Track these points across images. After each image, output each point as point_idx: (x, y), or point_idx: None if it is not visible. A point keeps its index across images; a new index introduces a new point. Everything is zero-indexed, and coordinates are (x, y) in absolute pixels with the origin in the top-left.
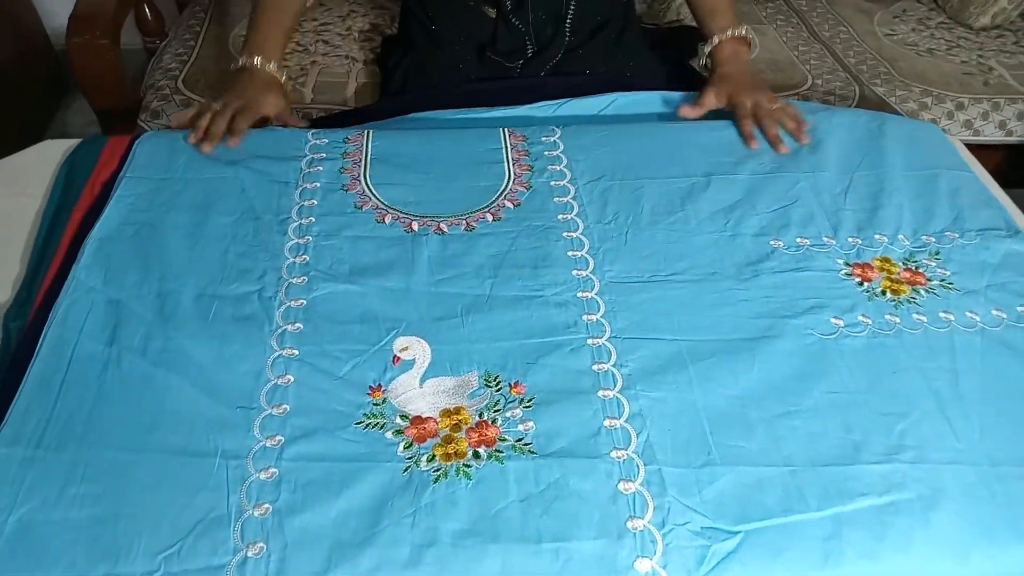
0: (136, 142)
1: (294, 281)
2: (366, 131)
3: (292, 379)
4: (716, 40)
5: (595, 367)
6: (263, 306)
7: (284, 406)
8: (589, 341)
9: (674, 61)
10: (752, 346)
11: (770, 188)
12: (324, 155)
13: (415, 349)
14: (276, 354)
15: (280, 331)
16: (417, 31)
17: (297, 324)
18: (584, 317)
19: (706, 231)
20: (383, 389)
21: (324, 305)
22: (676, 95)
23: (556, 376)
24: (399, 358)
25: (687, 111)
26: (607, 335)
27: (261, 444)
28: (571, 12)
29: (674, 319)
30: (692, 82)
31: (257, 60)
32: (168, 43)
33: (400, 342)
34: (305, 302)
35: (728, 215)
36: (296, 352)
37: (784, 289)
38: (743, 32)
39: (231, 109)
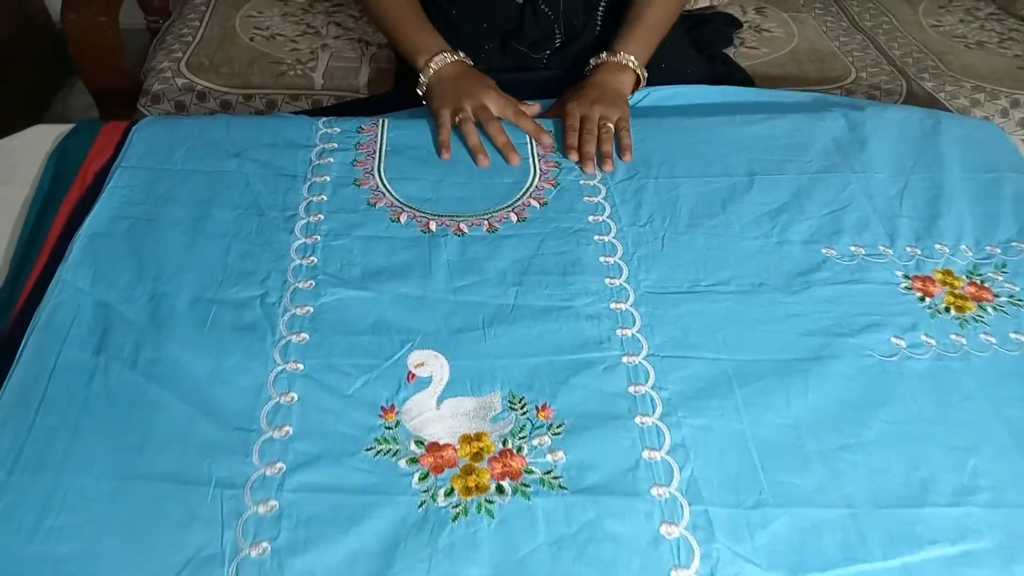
0: (133, 128)
1: (300, 286)
2: (381, 121)
3: (296, 397)
4: (602, 58)
5: (631, 389)
6: (266, 313)
7: (287, 428)
8: (624, 359)
9: (710, 50)
10: (805, 368)
11: (819, 190)
12: (336, 145)
13: (432, 365)
14: (279, 368)
15: (284, 342)
16: (435, 15)
17: (302, 334)
18: (618, 332)
19: (750, 237)
20: (396, 410)
21: (332, 313)
22: (714, 89)
23: (588, 399)
24: (414, 375)
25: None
26: (644, 352)
27: (260, 472)
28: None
29: (717, 335)
30: (729, 73)
31: (445, 55)
32: (172, 23)
33: (415, 357)
34: (312, 309)
35: (774, 219)
36: (301, 366)
37: (838, 303)
38: (633, 64)
39: (479, 113)
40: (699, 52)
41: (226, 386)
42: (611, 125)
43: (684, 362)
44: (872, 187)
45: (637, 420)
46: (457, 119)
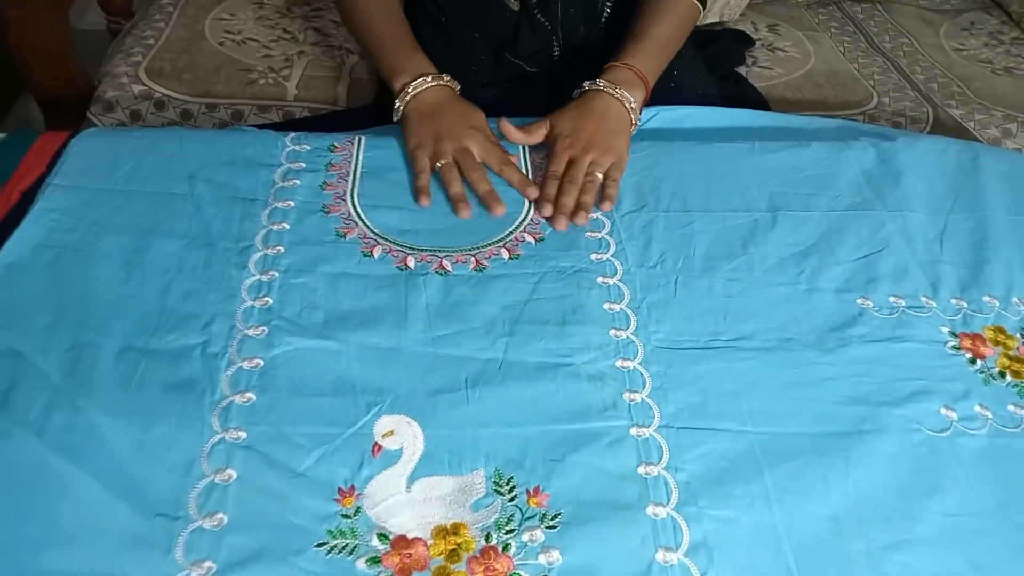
0: (72, 141)
1: (250, 332)
2: (357, 138)
3: (234, 475)
4: (598, 85)
5: (642, 470)
6: (206, 367)
7: (220, 516)
8: (633, 431)
9: (721, 69)
10: (844, 444)
11: (851, 230)
12: (303, 165)
13: (403, 434)
14: (216, 438)
15: (225, 404)
16: (423, 23)
17: (248, 394)
18: (626, 396)
19: (775, 282)
20: (357, 493)
21: (286, 368)
22: (729, 112)
23: (590, 481)
24: (380, 447)
25: (512, 132)
26: (656, 423)
27: (185, 574)
28: (607, 9)
29: (742, 402)
30: (743, 93)
31: (425, 78)
32: (135, 24)
33: (384, 424)
34: (262, 363)
35: (801, 263)
36: (243, 435)
37: (879, 365)
38: (626, 97)
39: (461, 155)
40: (710, 71)
41: (152, 461)
42: (599, 175)
43: (703, 436)
44: (909, 228)
45: (649, 511)
46: (438, 165)
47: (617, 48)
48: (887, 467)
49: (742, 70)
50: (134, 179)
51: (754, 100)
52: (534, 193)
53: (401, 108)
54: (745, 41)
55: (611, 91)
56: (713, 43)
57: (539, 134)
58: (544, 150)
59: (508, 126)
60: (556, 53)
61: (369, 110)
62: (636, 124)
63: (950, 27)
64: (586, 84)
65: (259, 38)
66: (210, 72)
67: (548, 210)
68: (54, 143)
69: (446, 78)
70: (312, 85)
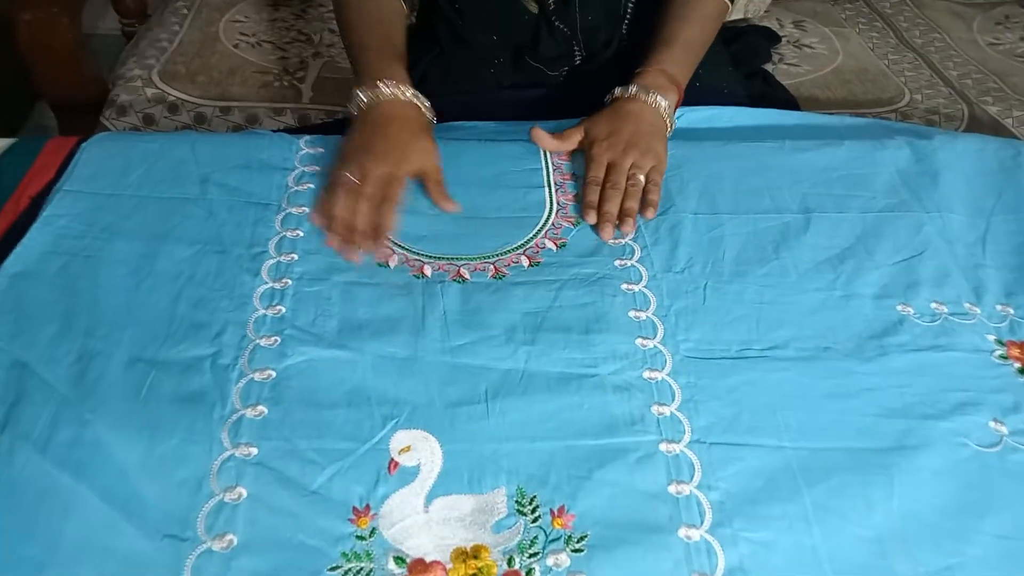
0: (82, 146)
1: (262, 343)
2: None
3: (244, 494)
4: (630, 90)
5: (673, 489)
6: (216, 379)
7: (230, 537)
8: (663, 446)
9: (747, 67)
10: (887, 460)
11: (888, 232)
12: (318, 169)
13: (420, 450)
14: (227, 454)
15: (236, 418)
16: (440, 24)
17: (260, 407)
18: (654, 409)
19: (811, 288)
20: (372, 512)
21: (299, 379)
22: (757, 111)
23: (618, 500)
24: (397, 463)
25: (545, 139)
26: (687, 438)
27: None
28: (630, 10)
29: (777, 416)
30: (771, 92)
31: (387, 86)
32: (149, 27)
33: (400, 439)
34: (274, 374)
35: (837, 267)
36: (254, 451)
37: (922, 375)
38: (678, 83)
39: (374, 182)
40: (736, 68)
41: (159, 478)
42: (641, 178)
43: (737, 451)
44: (949, 230)
45: (681, 533)
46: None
47: (646, 51)
48: (933, 485)
49: (768, 67)
50: (145, 184)
51: (783, 99)
52: (454, 208)
53: (351, 108)
54: (771, 38)
55: (644, 96)
56: (738, 40)
57: (573, 140)
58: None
59: (540, 133)
60: (578, 59)
61: None
62: (671, 128)
63: (983, 21)
64: (618, 90)
65: (274, 40)
66: (224, 75)
67: (592, 217)
68: (64, 148)
69: (409, 93)
70: (327, 87)
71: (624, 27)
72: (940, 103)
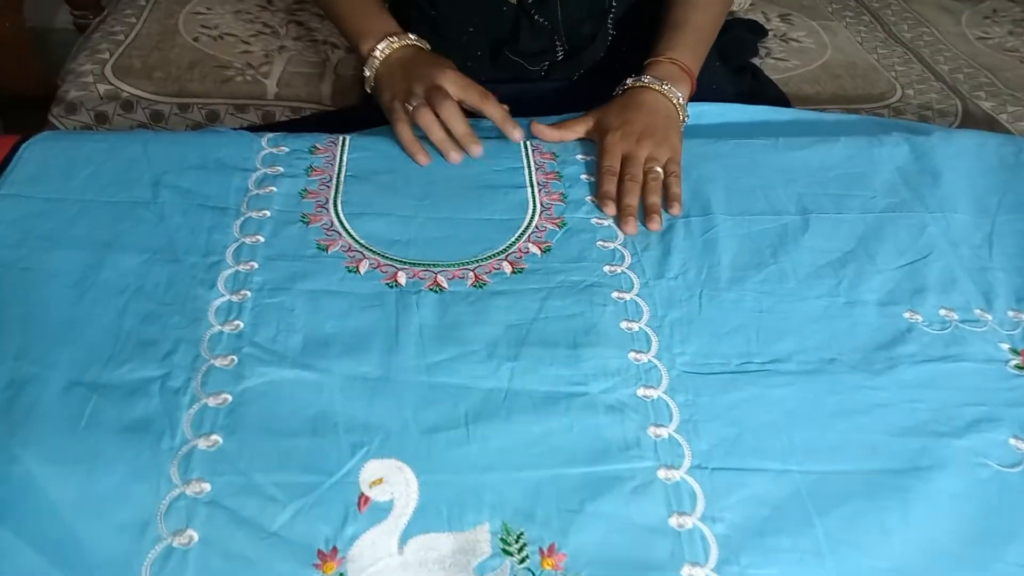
0: (23, 145)
1: (217, 363)
2: (341, 139)
3: (195, 538)
4: (642, 80)
5: (674, 521)
6: (165, 405)
7: None
8: (661, 473)
9: (735, 61)
10: (902, 483)
11: (890, 234)
12: (281, 170)
13: (393, 483)
14: (176, 492)
15: (187, 450)
16: (413, 16)
17: (213, 437)
18: (650, 431)
19: (812, 295)
20: (340, 556)
21: (259, 404)
22: (746, 108)
23: (614, 536)
24: (368, 498)
25: (545, 132)
26: (687, 463)
27: None
28: (615, 3)
29: (782, 436)
30: (760, 88)
31: (397, 39)
32: (104, 20)
33: (371, 470)
34: (230, 398)
35: (839, 272)
36: (207, 488)
37: (934, 389)
38: (673, 92)
39: (423, 99)
40: (723, 63)
41: (98, 521)
42: (659, 170)
43: (741, 477)
44: (953, 231)
45: (685, 572)
46: (410, 107)
47: (654, 38)
48: (952, 509)
49: (756, 62)
50: (91, 187)
51: (773, 95)
52: (518, 135)
53: (371, 74)
54: (757, 31)
55: (657, 87)
56: (724, 33)
57: (577, 130)
58: (550, 148)
59: (540, 126)
60: (560, 54)
61: (357, 109)
62: (685, 120)
63: (972, 15)
64: (629, 81)
65: (237, 33)
66: (183, 70)
67: (612, 208)
68: (3, 148)
69: (413, 37)
70: (293, 82)
71: (610, 21)
72: (933, 98)
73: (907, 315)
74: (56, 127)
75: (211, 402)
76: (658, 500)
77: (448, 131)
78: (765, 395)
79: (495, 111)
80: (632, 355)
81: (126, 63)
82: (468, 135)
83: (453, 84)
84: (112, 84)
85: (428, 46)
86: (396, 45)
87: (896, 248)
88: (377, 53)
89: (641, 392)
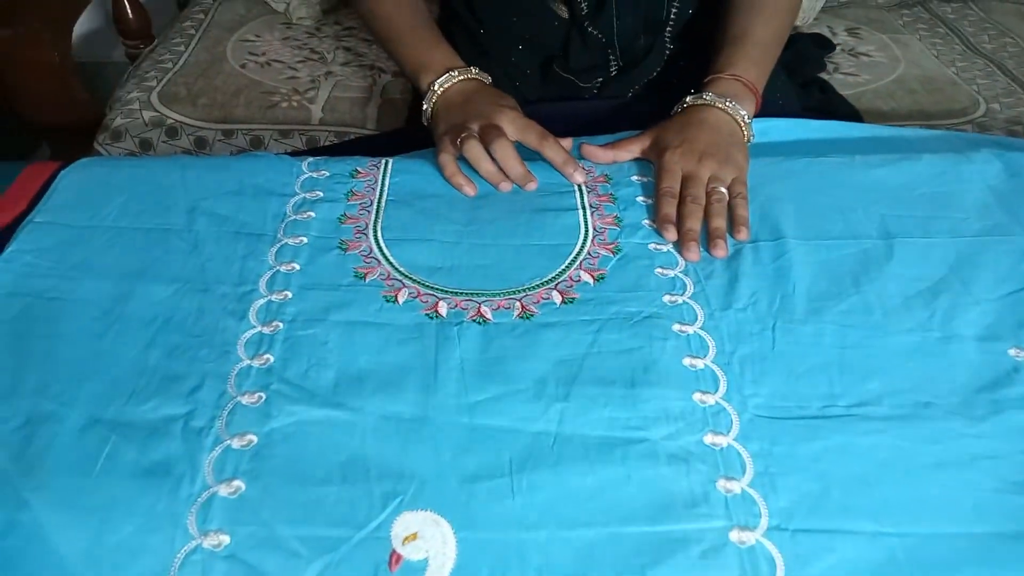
0: (61, 172)
1: (243, 400)
2: (384, 162)
3: None
4: (705, 98)
5: None
6: (187, 446)
7: None
8: (734, 535)
9: (801, 76)
10: (1017, 551)
11: (986, 260)
12: (320, 194)
13: (429, 539)
14: (193, 544)
15: (207, 496)
16: (460, 36)
17: (236, 483)
18: (720, 485)
19: (901, 329)
20: None
21: (285, 446)
22: (816, 124)
23: None
24: (400, 556)
25: (598, 153)
26: (763, 524)
27: None
28: (673, 14)
29: (874, 492)
30: (829, 103)
31: (457, 71)
32: (153, 48)
33: (405, 523)
34: (255, 440)
35: (931, 303)
36: (226, 540)
37: None
38: (738, 111)
39: (478, 133)
40: (791, 77)
41: (110, 574)
42: (723, 191)
43: (828, 541)
44: None
45: None
46: (459, 141)
47: (715, 52)
48: None
49: (823, 77)
50: (125, 214)
51: (844, 111)
52: (580, 178)
53: (428, 108)
54: (824, 45)
55: (720, 105)
56: (788, 48)
57: (632, 150)
58: (603, 170)
59: (591, 147)
60: (613, 69)
61: (402, 133)
62: (751, 140)
63: None
64: (688, 99)
65: (284, 59)
66: (228, 96)
67: (673, 233)
68: (41, 175)
69: (475, 71)
70: (339, 107)
71: (667, 33)
72: (1023, 112)
73: (1012, 352)
74: (101, 155)
75: (235, 444)
76: (731, 567)
77: (498, 164)
78: (852, 444)
79: (556, 154)
80: (697, 396)
81: (172, 90)
82: (524, 176)
83: (511, 123)
84: (157, 111)
85: (490, 79)
86: (457, 79)
87: (995, 276)
88: (436, 87)
89: (709, 439)
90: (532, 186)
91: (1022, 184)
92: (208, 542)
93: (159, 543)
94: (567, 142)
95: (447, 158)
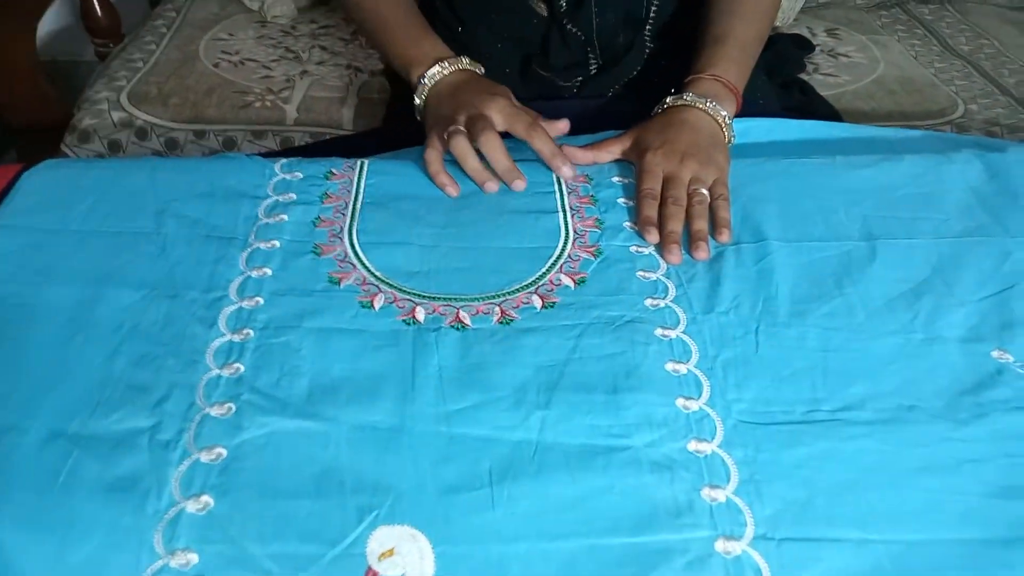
0: (24, 174)
1: (212, 412)
2: (359, 163)
3: None
4: (685, 99)
5: None
6: (154, 460)
7: None
8: (719, 545)
9: (780, 76)
10: (1005, 557)
11: (969, 262)
12: (294, 197)
13: (406, 554)
14: (159, 564)
15: (174, 513)
16: (440, 33)
17: (204, 498)
18: (705, 493)
19: (885, 331)
20: None
21: (256, 459)
22: (797, 124)
23: None
24: (376, 573)
25: (578, 154)
26: (749, 533)
27: None
28: (653, 12)
29: (860, 498)
30: (809, 103)
31: (447, 62)
32: (124, 47)
33: (381, 539)
34: (225, 453)
35: (914, 305)
36: (194, 559)
37: None
38: (719, 111)
39: (466, 128)
40: (772, 78)
41: None
42: (705, 192)
43: (815, 549)
44: None
45: None
46: (446, 135)
47: (695, 52)
48: None
49: (803, 77)
50: (92, 217)
51: (824, 111)
52: (568, 172)
53: (420, 103)
54: (804, 46)
55: (701, 105)
56: (767, 48)
57: (613, 151)
58: (584, 171)
59: (571, 149)
60: (593, 67)
61: (381, 133)
62: (731, 141)
63: None
64: (669, 99)
65: (259, 58)
66: (200, 96)
67: (654, 236)
68: (4, 178)
69: (466, 61)
70: (314, 107)
71: (647, 30)
72: (1000, 113)
73: (995, 354)
74: (68, 156)
75: (204, 457)
76: None
77: (486, 161)
78: (837, 450)
79: (544, 145)
80: (680, 402)
81: (142, 90)
82: (510, 171)
83: (499, 113)
84: (127, 111)
85: (482, 70)
86: (448, 70)
87: (978, 277)
88: (427, 80)
89: (692, 446)
90: (520, 185)
91: (1003, 185)
92: (175, 561)
93: (124, 562)
94: (563, 123)
95: (433, 155)
